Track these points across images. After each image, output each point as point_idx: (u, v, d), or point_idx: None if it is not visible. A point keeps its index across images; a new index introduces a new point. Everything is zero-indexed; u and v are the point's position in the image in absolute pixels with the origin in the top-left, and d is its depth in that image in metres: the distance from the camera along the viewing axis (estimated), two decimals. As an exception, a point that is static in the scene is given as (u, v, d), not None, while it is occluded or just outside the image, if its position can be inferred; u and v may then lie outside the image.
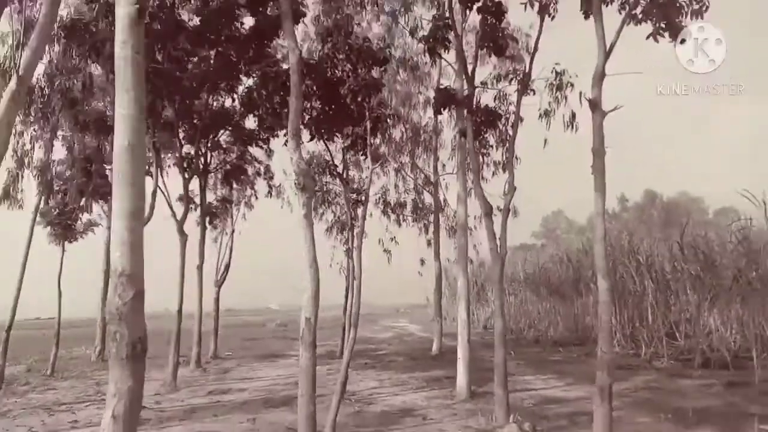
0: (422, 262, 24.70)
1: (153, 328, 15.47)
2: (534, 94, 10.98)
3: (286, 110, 11.94)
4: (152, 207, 13.40)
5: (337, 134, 12.06)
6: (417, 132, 23.45)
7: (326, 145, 12.50)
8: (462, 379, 12.55)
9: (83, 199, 17.09)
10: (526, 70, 10.47)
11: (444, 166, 23.90)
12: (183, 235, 15.32)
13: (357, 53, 10.46)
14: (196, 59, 16.02)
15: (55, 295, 17.70)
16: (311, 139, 12.04)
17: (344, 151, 11.90)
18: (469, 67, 10.28)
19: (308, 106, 12.13)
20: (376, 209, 23.33)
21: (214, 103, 18.38)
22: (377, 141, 12.19)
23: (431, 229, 23.96)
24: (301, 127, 12.55)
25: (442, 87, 10.26)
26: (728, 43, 7.90)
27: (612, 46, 7.31)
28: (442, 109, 9.97)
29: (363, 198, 10.33)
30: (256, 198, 22.71)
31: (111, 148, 13.13)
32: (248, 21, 16.44)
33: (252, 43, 15.70)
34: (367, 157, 10.45)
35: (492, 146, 14.13)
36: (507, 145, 14.36)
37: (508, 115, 12.67)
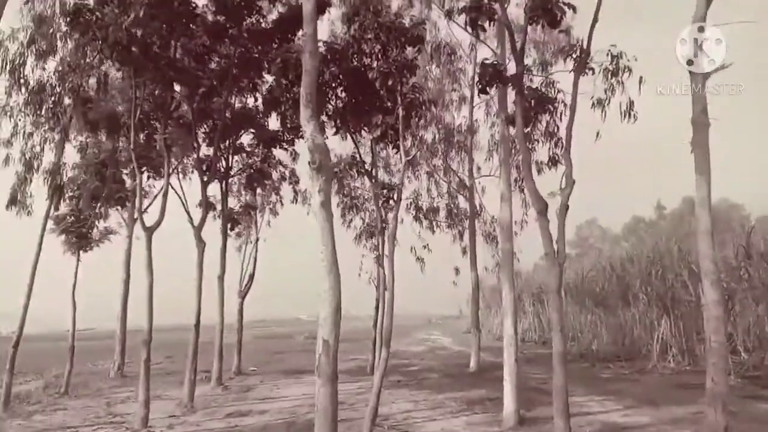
0: (457, 271, 23.16)
1: (178, 341, 14.46)
2: (593, 73, 9.50)
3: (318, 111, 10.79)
4: (163, 209, 12.29)
5: (365, 127, 10.75)
6: (450, 133, 22.03)
7: (353, 139, 11.23)
8: (509, 404, 10.99)
9: (98, 206, 16.13)
10: (583, 46, 9.02)
11: (479, 168, 22.47)
12: (201, 243, 14.17)
13: (387, 31, 9.16)
14: (216, 57, 15.00)
15: (82, 306, 16.78)
16: (336, 133, 10.77)
17: (373, 143, 10.61)
18: (517, 43, 8.90)
19: (331, 95, 10.92)
20: (407, 215, 21.95)
21: (236, 103, 17.34)
22: (412, 130, 10.78)
23: (466, 235, 22.43)
24: (324, 118, 11.38)
25: (487, 61, 8.86)
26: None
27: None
28: (488, 88, 8.61)
29: (395, 196, 9.01)
30: (282, 204, 21.57)
31: (126, 150, 12.35)
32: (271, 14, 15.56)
33: (275, 37, 14.59)
34: (399, 150, 9.12)
35: (537, 141, 12.67)
36: (556, 139, 12.88)
37: (557, 104, 11.17)
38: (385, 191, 9.03)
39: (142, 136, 13.12)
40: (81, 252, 16.83)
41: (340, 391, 16.53)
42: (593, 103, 11.27)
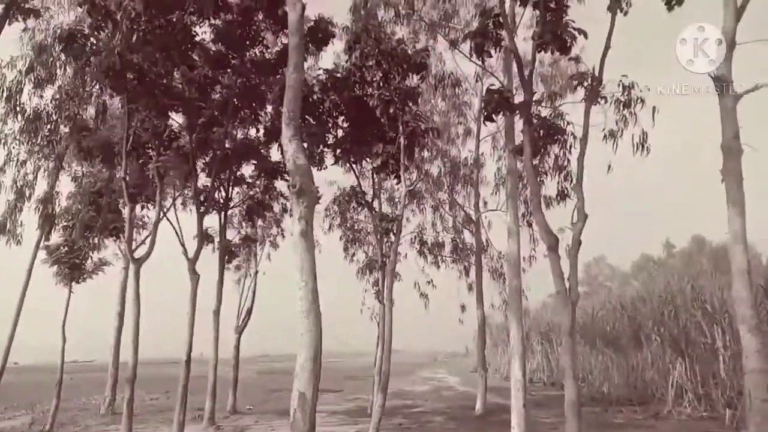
0: (463, 308, 22.36)
1: (174, 376, 13.78)
2: (606, 102, 9.06)
3: (312, 131, 10.40)
4: (153, 240, 11.81)
5: (365, 157, 10.30)
6: (456, 166, 21.59)
7: (353, 169, 10.77)
8: (517, 454, 10.21)
9: (92, 236, 15.67)
10: (595, 73, 8.59)
11: (486, 203, 21.90)
12: (194, 275, 13.61)
13: (389, 58, 8.78)
14: (217, 87, 14.73)
15: (82, 337, 16.17)
16: (335, 162, 10.32)
17: (374, 173, 10.14)
18: (525, 71, 8.48)
19: (332, 124, 10.52)
20: (411, 249, 21.36)
21: (237, 133, 17.02)
22: (414, 160, 10.31)
23: (472, 271, 21.75)
24: (324, 149, 10.97)
25: (492, 87, 8.43)
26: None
27: (743, 6, 5.38)
28: (493, 116, 8.16)
29: (394, 228, 8.50)
30: (282, 237, 21.04)
31: (122, 180, 11.94)
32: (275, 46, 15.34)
33: (278, 68, 14.31)
34: (400, 181, 8.63)
35: (546, 174, 12.16)
36: (565, 173, 12.36)
37: (566, 136, 10.71)
38: (384, 223, 8.53)
39: (135, 164, 12.73)
40: (74, 283, 16.28)
41: (336, 435, 15.75)
42: (605, 135, 10.83)
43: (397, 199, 16.58)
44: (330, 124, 10.34)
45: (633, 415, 18.66)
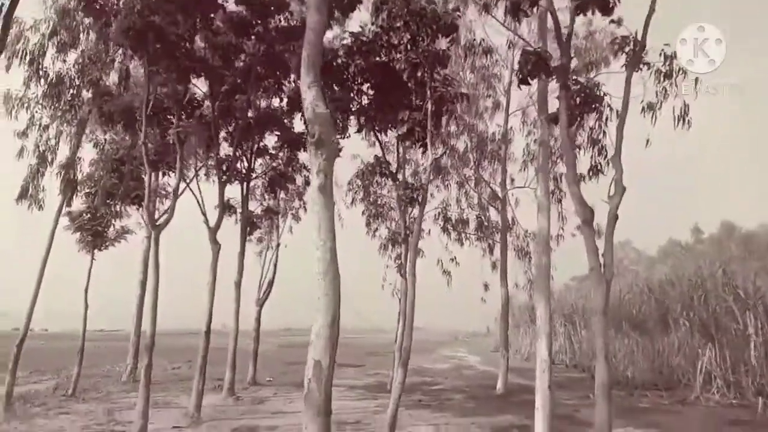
0: (486, 287, 21.96)
1: (196, 346, 13.73)
2: (648, 68, 8.48)
3: (336, 97, 10.01)
4: (172, 208, 11.63)
5: (390, 125, 9.88)
6: (483, 141, 21.01)
7: (377, 138, 10.37)
8: (541, 435, 9.87)
9: (114, 204, 15.59)
10: (638, 37, 8.01)
11: (513, 180, 21.34)
12: (216, 245, 13.48)
13: (418, 18, 8.29)
14: (241, 55, 14.38)
15: (109, 306, 16.31)
16: (359, 130, 9.92)
17: (399, 141, 9.73)
18: (564, 30, 7.95)
19: (357, 91, 10.12)
20: (434, 226, 20.99)
21: (260, 102, 16.70)
22: (441, 129, 9.85)
23: (497, 249, 21.30)
24: (349, 116, 10.57)
25: (529, 48, 7.92)
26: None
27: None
28: (529, 79, 7.66)
29: (419, 197, 8.12)
30: (305, 210, 20.78)
31: (143, 145, 11.75)
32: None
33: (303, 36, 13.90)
34: (426, 149, 8.22)
35: (579, 148, 11.59)
36: (600, 146, 11.79)
37: (603, 107, 10.12)
38: (408, 192, 8.14)
39: (156, 130, 12.51)
40: (96, 251, 16.30)
41: (357, 408, 15.67)
42: (643, 108, 10.28)
43: (422, 168, 16.02)
44: (355, 91, 9.91)
45: (659, 400, 18.19)
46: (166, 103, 12.53)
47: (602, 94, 9.22)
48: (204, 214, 13.78)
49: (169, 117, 12.20)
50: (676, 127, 10.63)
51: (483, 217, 21.70)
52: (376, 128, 9.81)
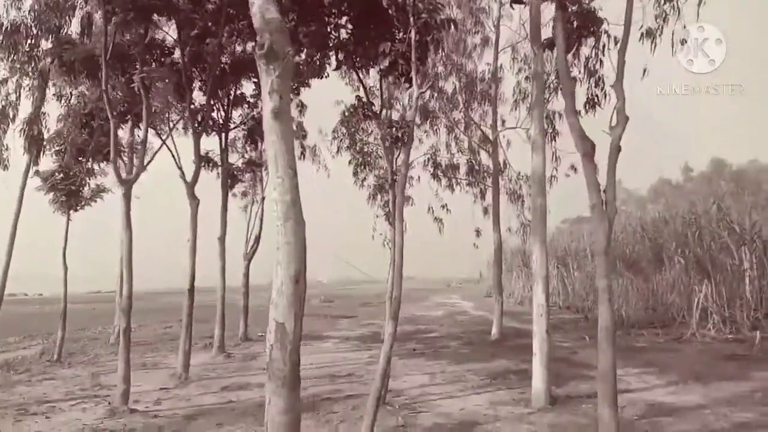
0: (478, 232, 21.51)
1: (196, 304, 13.26)
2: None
3: (311, 30, 9.18)
4: (142, 160, 10.94)
5: (372, 62, 9.09)
6: (472, 82, 20.14)
7: (358, 76, 9.58)
8: (539, 381, 9.58)
9: (86, 161, 14.80)
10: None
11: (504, 121, 20.58)
12: (194, 200, 12.83)
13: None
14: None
15: (96, 267, 15.79)
16: (337, 68, 9.14)
17: (381, 76, 8.96)
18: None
19: (333, 26, 9.29)
20: (424, 172, 20.34)
21: (234, 47, 15.69)
22: (429, 59, 9.08)
23: (489, 194, 20.76)
24: (327, 53, 9.77)
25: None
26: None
27: None
28: (522, -2, 6.91)
29: (404, 135, 7.46)
30: (289, 161, 20.01)
31: (103, 92, 10.85)
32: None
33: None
34: (411, 85, 7.51)
35: (575, 80, 10.86)
36: (597, 77, 11.12)
37: (601, 32, 9.36)
38: (393, 130, 7.48)
39: (122, 79, 11.60)
40: (72, 211, 15.58)
41: (349, 360, 15.43)
42: (642, 35, 9.58)
43: (407, 104, 15.13)
44: (332, 25, 9.07)
45: (655, 338, 18.12)
46: (132, 50, 11.60)
47: (601, 18, 8.45)
48: (180, 168, 13.11)
49: (134, 64, 11.28)
50: (674, 53, 10.03)
51: (474, 161, 21.05)
52: (357, 65, 9.01)
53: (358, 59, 8.91)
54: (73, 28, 13.67)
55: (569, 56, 8.46)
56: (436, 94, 20.44)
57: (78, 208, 15.67)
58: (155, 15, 10.46)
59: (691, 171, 76.19)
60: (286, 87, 3.95)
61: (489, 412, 9.31)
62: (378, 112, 9.22)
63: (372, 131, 16.48)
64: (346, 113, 10.53)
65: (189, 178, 13.06)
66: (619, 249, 28.36)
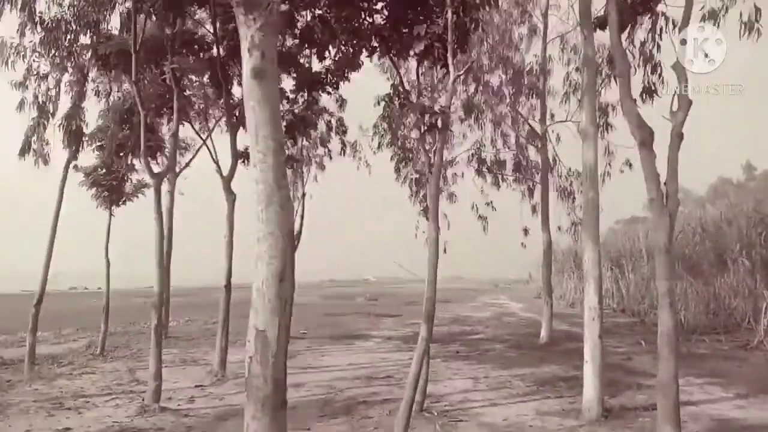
0: (526, 231, 20.63)
1: (240, 299, 13.15)
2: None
3: (343, 15, 8.74)
4: (173, 153, 10.76)
5: (407, 49, 8.55)
6: (519, 74, 19.30)
7: (393, 63, 9.08)
8: (591, 390, 8.80)
9: (128, 156, 14.82)
10: None
11: (553, 115, 19.61)
12: (230, 195, 12.60)
13: None
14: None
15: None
16: (370, 54, 8.66)
17: (417, 61, 8.36)
18: None
19: (366, 10, 8.81)
20: (468, 168, 19.67)
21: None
22: (469, 41, 8.39)
23: (537, 191, 19.85)
24: (361, 43, 9.29)
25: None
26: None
27: None
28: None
29: (438, 121, 6.87)
30: (330, 158, 19.69)
31: (133, 84, 10.71)
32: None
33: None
34: (447, 71, 6.94)
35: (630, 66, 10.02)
36: (653, 64, 10.26)
37: (659, 8, 8.53)
38: (427, 117, 6.88)
39: (156, 72, 11.47)
40: (113, 207, 15.68)
41: (389, 361, 14.94)
42: (704, 16, 8.68)
43: (442, 90, 14.20)
44: (365, 10, 8.57)
45: (718, 345, 16.86)
46: (166, 42, 11.43)
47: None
48: (216, 162, 12.93)
49: (167, 56, 11.11)
50: (742, 36, 9.08)
51: (521, 157, 20.18)
52: (392, 52, 8.48)
53: (392, 45, 8.38)
54: (114, 23, 13.76)
55: (626, 33, 7.68)
56: (481, 87, 19.73)
57: (120, 203, 15.74)
58: (188, 6, 10.19)
59: (755, 169, 72.20)
60: (269, 42, 3.39)
61: (535, 423, 8.64)
62: (415, 101, 8.68)
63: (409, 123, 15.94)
64: (380, 102, 9.99)
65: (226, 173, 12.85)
66: (678, 250, 26.81)
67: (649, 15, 7.75)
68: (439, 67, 8.12)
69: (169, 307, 19.25)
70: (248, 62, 3.47)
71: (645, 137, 6.17)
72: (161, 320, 9.90)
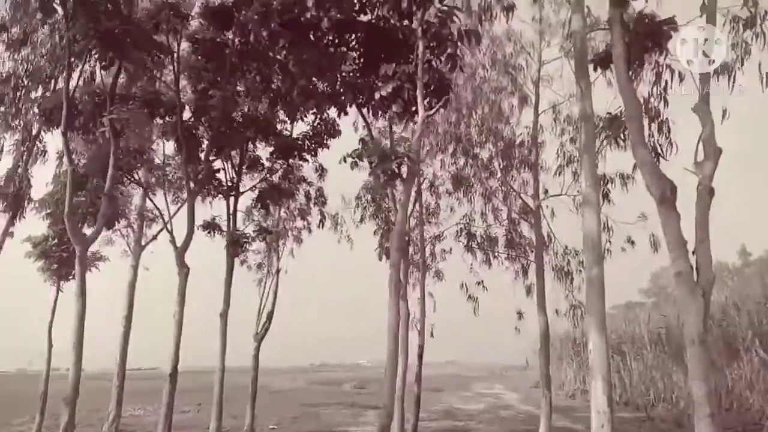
0: (520, 315, 18.89)
1: (199, 386, 11.33)
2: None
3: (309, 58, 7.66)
4: (102, 218, 9.26)
5: (373, 97, 7.37)
6: (510, 145, 18.29)
7: (362, 114, 7.90)
8: None
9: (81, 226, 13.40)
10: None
11: (546, 190, 18.41)
12: (182, 268, 11.05)
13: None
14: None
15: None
16: (340, 111, 7.48)
17: (383, 104, 7.06)
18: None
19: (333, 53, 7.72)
20: (456, 244, 18.29)
21: (246, 106, 14.42)
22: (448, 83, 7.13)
23: (531, 271, 18.29)
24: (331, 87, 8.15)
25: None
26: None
27: None
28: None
29: (401, 168, 5.48)
30: (309, 231, 18.27)
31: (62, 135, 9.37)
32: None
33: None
34: (417, 113, 5.69)
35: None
36: (655, 120, 9.12)
37: (666, 49, 7.43)
38: (387, 165, 5.53)
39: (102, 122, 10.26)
40: (62, 282, 14.10)
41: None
42: (715, 70, 7.62)
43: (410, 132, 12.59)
44: (332, 53, 7.48)
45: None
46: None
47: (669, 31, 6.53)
48: (170, 232, 11.49)
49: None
50: (765, 89, 7.99)
51: (514, 233, 18.78)
52: (360, 100, 7.30)
53: (360, 92, 7.21)
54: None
55: (633, 74, 6.51)
56: (471, 161, 18.71)
57: (70, 278, 14.16)
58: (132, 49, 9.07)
59: (750, 255, 71.31)
60: None
61: None
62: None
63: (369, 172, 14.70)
64: (346, 160, 8.74)
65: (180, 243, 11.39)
66: (681, 337, 25.12)
67: (657, 51, 6.61)
68: (409, 113, 6.91)
69: (122, 397, 17.08)
70: None
71: (665, 192, 4.83)
72: (72, 418, 8.08)
